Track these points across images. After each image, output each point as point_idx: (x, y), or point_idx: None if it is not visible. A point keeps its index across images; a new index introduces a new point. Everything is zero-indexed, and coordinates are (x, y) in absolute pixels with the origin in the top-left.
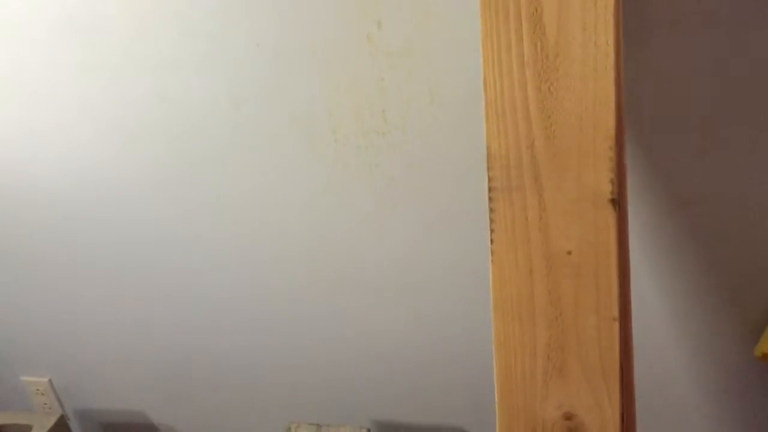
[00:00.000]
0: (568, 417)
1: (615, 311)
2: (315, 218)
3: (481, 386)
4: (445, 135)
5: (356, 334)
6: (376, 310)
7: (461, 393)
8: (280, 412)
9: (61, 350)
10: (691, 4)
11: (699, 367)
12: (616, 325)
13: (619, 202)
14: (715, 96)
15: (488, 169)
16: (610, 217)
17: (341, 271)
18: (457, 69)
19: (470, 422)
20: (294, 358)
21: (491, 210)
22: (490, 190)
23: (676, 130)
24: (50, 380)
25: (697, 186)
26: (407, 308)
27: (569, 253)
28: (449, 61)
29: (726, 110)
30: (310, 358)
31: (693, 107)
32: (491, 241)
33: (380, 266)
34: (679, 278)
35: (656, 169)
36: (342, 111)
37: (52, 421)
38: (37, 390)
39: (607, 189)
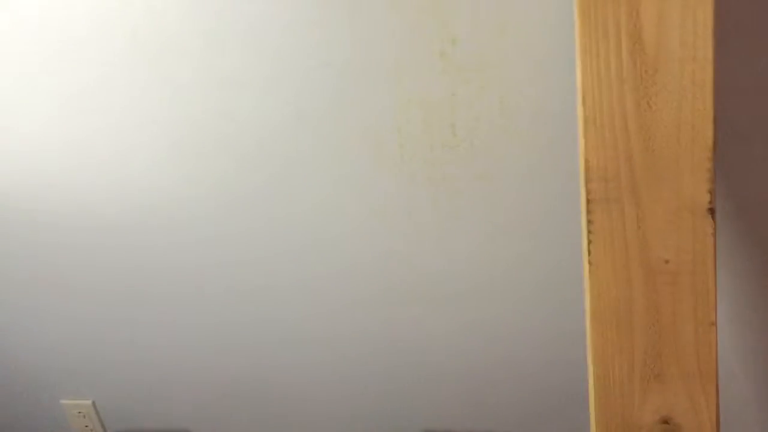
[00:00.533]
0: (665, 421)
1: (713, 316)
2: (380, 231)
3: (537, 395)
4: (514, 148)
5: (418, 345)
6: (438, 321)
7: (517, 402)
8: (328, 430)
9: (105, 372)
10: None
11: (757, 366)
12: (714, 330)
13: (714, 210)
14: None
15: (586, 181)
16: (708, 226)
17: (407, 283)
18: (528, 82)
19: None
20: (349, 373)
21: (589, 222)
22: (588, 202)
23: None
24: (93, 402)
25: None
26: (469, 320)
27: (667, 261)
28: (521, 75)
29: None
30: (366, 371)
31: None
32: (588, 252)
33: (445, 278)
34: (750, 281)
35: (738, 172)
36: (411, 126)
37: None
38: (79, 413)
39: (705, 199)
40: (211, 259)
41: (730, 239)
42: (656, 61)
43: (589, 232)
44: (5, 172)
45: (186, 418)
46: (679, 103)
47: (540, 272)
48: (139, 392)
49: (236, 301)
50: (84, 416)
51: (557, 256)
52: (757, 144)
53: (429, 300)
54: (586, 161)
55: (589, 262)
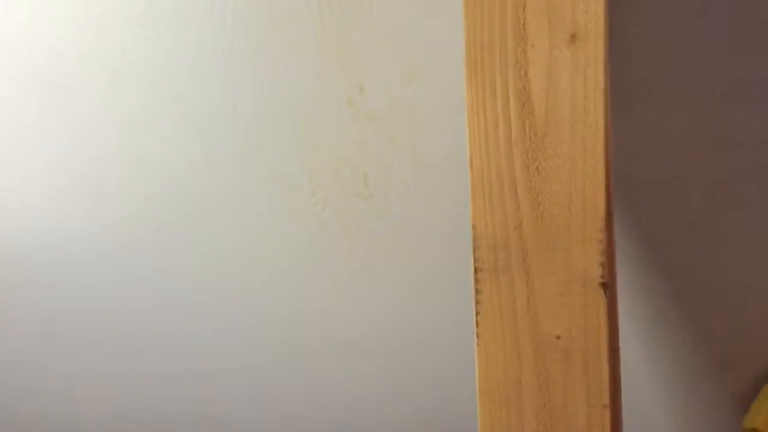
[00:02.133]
0: None
1: (606, 398)
2: (295, 281)
3: None
4: (428, 199)
5: (340, 402)
6: (362, 376)
7: None
8: None
9: (8, 423)
10: (670, 80)
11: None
12: (607, 413)
13: (609, 285)
14: (700, 168)
15: (474, 249)
16: (600, 301)
17: (324, 336)
18: (440, 133)
19: None
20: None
21: (477, 291)
22: (476, 271)
23: (662, 201)
24: None
25: (685, 255)
26: (393, 373)
27: (558, 337)
28: (433, 125)
29: (711, 181)
30: (293, 428)
31: (678, 179)
32: (476, 323)
33: (364, 330)
34: (666, 348)
35: (643, 238)
36: (322, 174)
37: None
38: None
39: (597, 273)
40: (113, 303)
41: (662, 304)
42: (546, 124)
43: (477, 302)
44: None
45: None
46: (570, 169)
47: (459, 330)
48: None
49: (137, 349)
50: None
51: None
52: (681, 205)
53: (345, 355)
54: (474, 227)
55: (477, 335)
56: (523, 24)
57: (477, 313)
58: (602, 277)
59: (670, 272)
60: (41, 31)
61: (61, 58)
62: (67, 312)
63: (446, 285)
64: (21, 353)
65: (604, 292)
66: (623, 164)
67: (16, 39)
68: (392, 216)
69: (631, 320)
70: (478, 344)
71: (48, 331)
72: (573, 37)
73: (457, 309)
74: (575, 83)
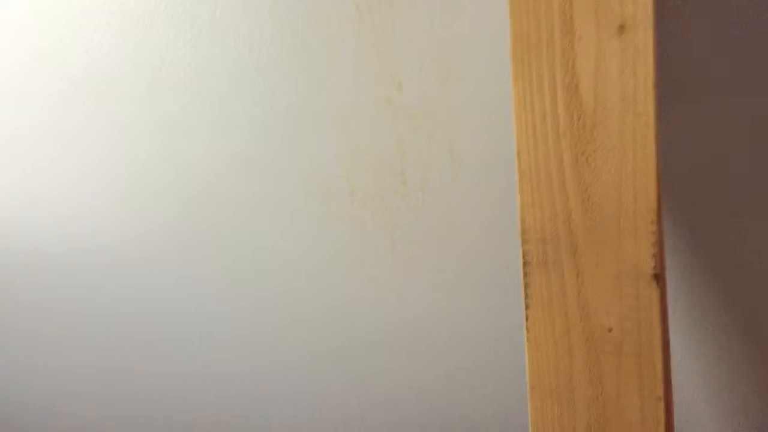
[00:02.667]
0: None
1: (660, 390)
2: (333, 281)
3: None
4: (466, 196)
5: (379, 399)
6: (398, 372)
7: None
8: None
9: (51, 418)
10: (718, 70)
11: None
12: (661, 405)
13: (661, 276)
14: (746, 159)
15: (523, 242)
16: (653, 293)
17: (362, 335)
18: (479, 129)
19: None
20: (311, 428)
21: (526, 285)
22: (525, 264)
23: (707, 193)
24: None
25: (730, 247)
26: (431, 370)
27: (610, 330)
28: (471, 122)
29: (758, 173)
30: (335, 428)
31: (724, 170)
32: (526, 317)
33: (402, 328)
34: (711, 342)
35: (688, 230)
36: (360, 173)
37: None
38: None
39: (649, 264)
40: (154, 305)
41: (708, 298)
42: (594, 115)
43: (526, 296)
44: None
45: None
46: (620, 160)
47: (499, 326)
48: None
49: (183, 350)
50: None
51: (517, 311)
52: (729, 197)
53: (387, 353)
54: (522, 221)
55: (527, 329)
56: (570, 17)
57: (527, 307)
58: (654, 268)
59: (716, 264)
60: (78, 37)
61: (99, 64)
62: (108, 316)
63: (485, 282)
64: (58, 357)
65: (657, 283)
66: (668, 155)
67: (54, 45)
68: (430, 214)
69: (677, 313)
70: (528, 339)
71: (89, 335)
72: (621, 28)
73: (497, 306)
74: (624, 74)
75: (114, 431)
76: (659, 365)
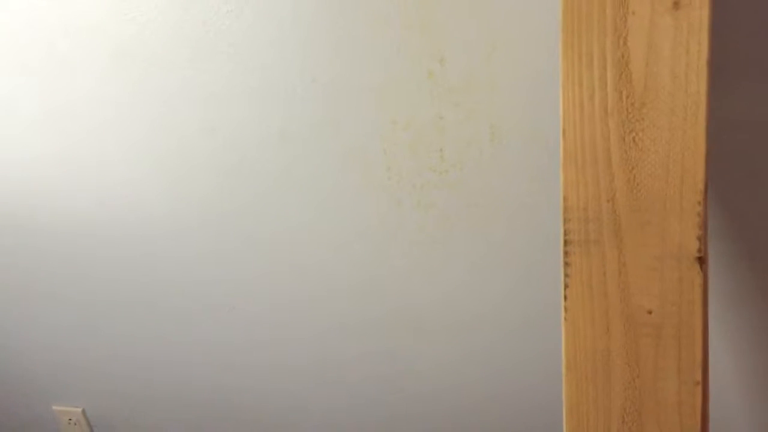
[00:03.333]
0: None
1: (698, 375)
2: (366, 256)
3: (533, 427)
4: (504, 175)
5: (405, 373)
6: (426, 348)
7: None
8: None
9: (96, 382)
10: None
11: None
12: (699, 390)
13: (705, 260)
14: None
15: (564, 221)
16: (696, 276)
17: (391, 310)
18: (520, 107)
19: None
20: (333, 401)
21: (566, 264)
22: (566, 243)
23: (754, 177)
24: (83, 410)
25: None
26: (457, 348)
27: (650, 312)
28: (512, 99)
29: None
30: (351, 400)
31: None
32: (565, 297)
33: (431, 306)
34: (749, 330)
35: (731, 215)
36: (398, 149)
37: None
38: (70, 420)
39: (694, 246)
40: (194, 275)
41: (744, 287)
42: (644, 94)
43: (565, 275)
44: None
45: None
46: (669, 140)
47: (530, 306)
48: (129, 403)
49: (219, 319)
50: (75, 423)
51: (548, 291)
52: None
53: (415, 329)
54: (565, 199)
55: (565, 308)
56: None
57: (565, 287)
58: (699, 251)
59: (757, 252)
60: (124, 4)
61: (144, 31)
62: (148, 284)
63: (519, 262)
64: (97, 324)
65: (700, 266)
66: (714, 138)
67: (98, 14)
68: (467, 192)
69: (715, 300)
70: (565, 318)
71: (129, 303)
72: (676, 4)
73: (529, 285)
74: (677, 52)
75: (149, 394)
76: (699, 350)
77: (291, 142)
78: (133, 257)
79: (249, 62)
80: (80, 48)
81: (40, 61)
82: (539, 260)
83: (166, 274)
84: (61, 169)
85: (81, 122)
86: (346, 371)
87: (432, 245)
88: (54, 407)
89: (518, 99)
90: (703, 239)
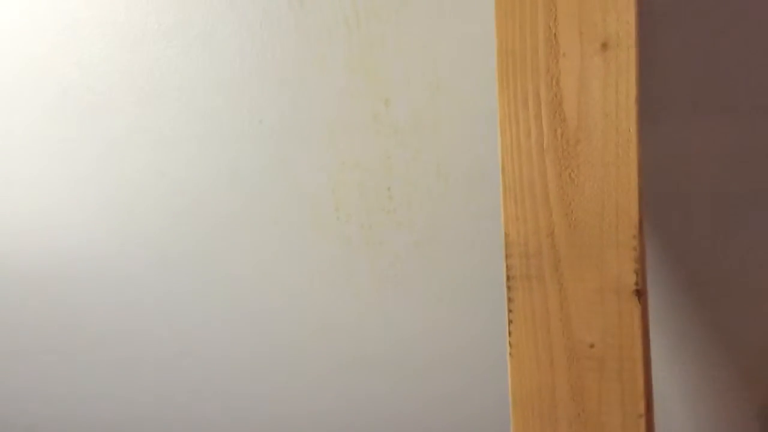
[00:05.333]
0: None
1: (641, 407)
2: (317, 297)
3: None
4: (453, 212)
5: (365, 417)
6: (385, 392)
7: None
8: None
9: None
10: (699, 90)
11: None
12: (643, 422)
13: (643, 292)
14: (727, 179)
15: (506, 257)
16: (634, 309)
17: (345, 352)
18: (465, 146)
19: None
20: None
21: (509, 300)
22: (508, 278)
23: (688, 212)
24: None
25: (711, 266)
26: (418, 390)
27: (592, 345)
28: (458, 138)
29: (739, 192)
30: None
31: (705, 189)
32: (509, 332)
33: (387, 347)
34: (693, 360)
35: (669, 249)
36: (346, 188)
37: None
38: None
39: (631, 280)
40: (141, 320)
41: (688, 315)
42: (578, 132)
43: (509, 311)
44: None
45: None
46: (603, 176)
47: (486, 343)
48: None
49: (169, 368)
50: None
51: (501, 327)
52: (708, 216)
53: (371, 372)
54: (506, 235)
55: (510, 344)
56: (555, 33)
57: (510, 322)
58: (636, 284)
59: (697, 283)
60: (70, 47)
61: (90, 75)
62: (94, 330)
63: (470, 298)
64: (50, 369)
65: (638, 299)
66: (649, 174)
67: (45, 56)
68: (416, 229)
69: (658, 332)
70: (510, 354)
71: (78, 348)
72: (604, 46)
73: (481, 322)
74: (607, 92)
75: None
76: (641, 382)
77: (241, 184)
78: (79, 301)
79: (195, 105)
80: (25, 89)
81: None
82: (493, 297)
83: (111, 320)
84: (4, 212)
85: (25, 164)
86: (302, 420)
87: (385, 284)
88: None
89: (462, 138)
90: (640, 272)
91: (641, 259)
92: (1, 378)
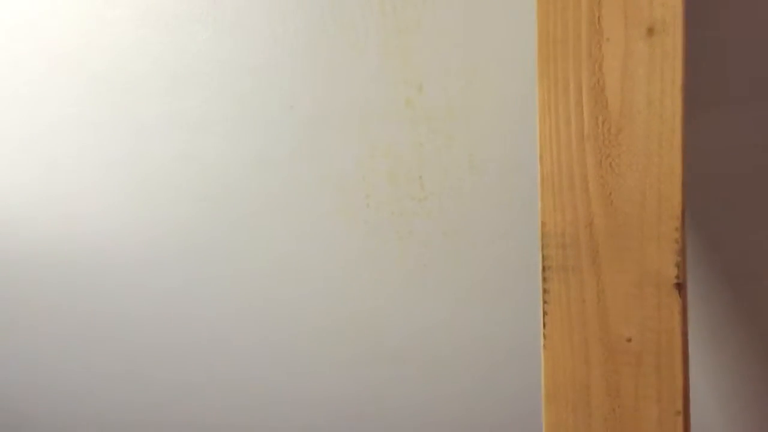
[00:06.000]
0: None
1: (679, 404)
2: (344, 286)
3: None
4: (484, 203)
5: (388, 408)
6: (407, 383)
7: None
8: None
9: (68, 418)
10: (746, 79)
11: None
12: (680, 420)
13: (683, 286)
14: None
15: (543, 247)
16: (674, 303)
17: (370, 343)
18: (499, 135)
19: None
20: None
21: (545, 291)
22: (544, 269)
23: (731, 203)
24: None
25: (751, 260)
26: (439, 382)
27: (629, 340)
28: (492, 127)
29: None
30: None
31: (749, 181)
32: (543, 324)
33: (414, 338)
34: (729, 356)
35: (710, 241)
36: (376, 176)
37: None
38: None
39: (672, 273)
40: (168, 306)
41: (725, 311)
42: (620, 119)
43: (544, 302)
44: None
45: None
46: (645, 165)
47: (514, 335)
48: None
49: (199, 354)
50: None
51: (531, 320)
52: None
53: (397, 362)
54: (543, 225)
55: (544, 336)
56: (598, 18)
57: (544, 314)
58: (677, 277)
59: (735, 277)
60: (101, 33)
61: (121, 59)
62: (121, 316)
63: (500, 290)
64: (67, 357)
65: (679, 293)
66: (692, 163)
67: (76, 39)
68: (446, 219)
69: (694, 327)
70: (545, 346)
71: (103, 335)
72: (650, 31)
73: (511, 314)
74: (652, 78)
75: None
76: (679, 379)
77: (271, 170)
78: (107, 287)
79: (227, 89)
80: (57, 77)
81: (17, 88)
82: (522, 289)
83: (139, 306)
84: (38, 197)
85: (57, 150)
86: (327, 408)
87: (412, 273)
88: None
89: (497, 126)
90: (681, 265)
91: (683, 252)
92: (21, 368)
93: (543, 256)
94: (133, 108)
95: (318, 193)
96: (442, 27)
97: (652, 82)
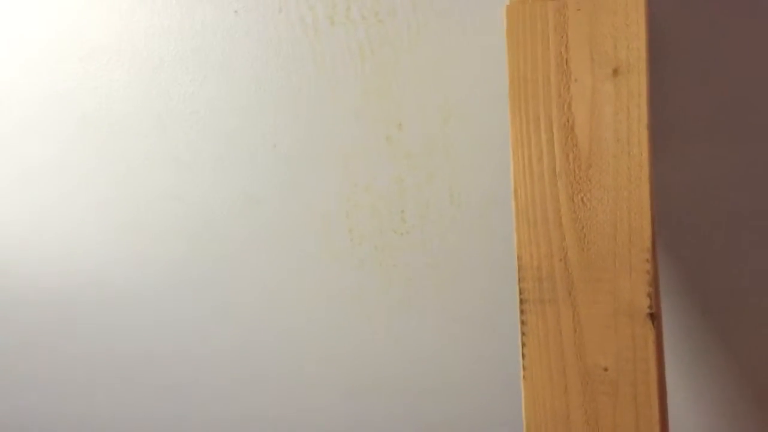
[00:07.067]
0: None
1: (657, 431)
2: (330, 319)
3: None
4: (465, 236)
5: None
6: (398, 415)
7: None
8: None
9: None
10: (710, 116)
11: None
12: None
13: (657, 316)
14: (740, 204)
15: (519, 280)
16: (648, 332)
17: (357, 375)
18: (477, 170)
19: None
20: None
21: (522, 323)
22: (521, 302)
23: (703, 237)
24: None
25: (726, 290)
26: (430, 413)
27: (606, 369)
28: (470, 162)
29: (752, 217)
30: None
31: (719, 215)
32: (522, 356)
33: (399, 369)
34: (708, 385)
35: (683, 273)
36: (359, 211)
37: None
38: None
39: (644, 303)
40: (156, 343)
41: (702, 340)
42: (590, 156)
43: (522, 334)
44: None
45: None
46: (615, 200)
47: (497, 367)
48: None
49: (186, 394)
50: None
51: (514, 350)
52: (719, 238)
53: (383, 395)
54: (519, 258)
55: (524, 368)
56: (566, 59)
57: (523, 345)
58: (650, 307)
59: (711, 306)
60: (89, 75)
61: (108, 101)
62: (111, 353)
63: (483, 322)
64: (60, 394)
65: (653, 322)
66: (662, 200)
67: (63, 81)
68: (429, 252)
69: (673, 356)
70: (524, 377)
71: (95, 371)
72: (615, 72)
73: (494, 345)
74: (619, 116)
75: None
76: (656, 406)
77: (255, 208)
78: (96, 324)
79: (212, 129)
80: (45, 117)
81: (5, 130)
82: (505, 320)
83: (128, 343)
84: (25, 237)
85: (45, 190)
86: None
87: (397, 305)
88: None
89: (474, 162)
90: (653, 295)
91: (654, 283)
92: (20, 402)
93: (520, 289)
94: (120, 147)
95: (302, 229)
96: (419, 68)
97: (619, 120)
